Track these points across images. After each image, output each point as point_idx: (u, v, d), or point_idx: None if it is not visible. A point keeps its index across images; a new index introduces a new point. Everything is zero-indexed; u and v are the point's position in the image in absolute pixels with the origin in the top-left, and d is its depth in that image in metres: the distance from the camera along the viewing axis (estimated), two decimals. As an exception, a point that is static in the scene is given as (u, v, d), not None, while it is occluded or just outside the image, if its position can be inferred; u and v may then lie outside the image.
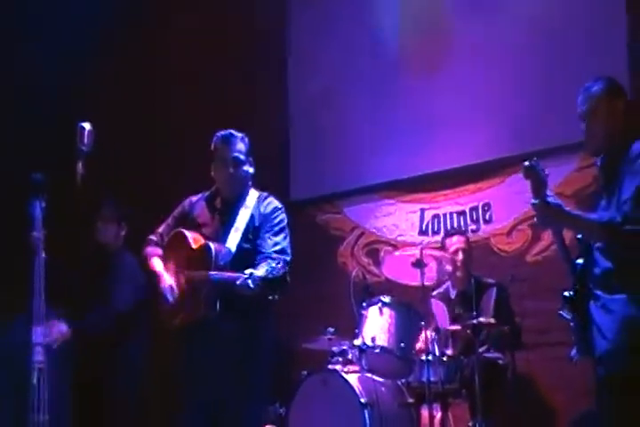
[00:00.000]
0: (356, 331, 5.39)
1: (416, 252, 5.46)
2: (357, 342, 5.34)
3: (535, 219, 3.73)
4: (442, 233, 6.45)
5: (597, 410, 3.65)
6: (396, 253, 5.92)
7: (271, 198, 4.51)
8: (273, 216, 4.41)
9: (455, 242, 5.91)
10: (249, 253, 4.28)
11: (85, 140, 4.33)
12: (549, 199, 3.54)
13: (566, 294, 3.64)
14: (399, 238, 6.85)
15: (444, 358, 5.32)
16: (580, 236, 3.72)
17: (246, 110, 7.36)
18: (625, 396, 3.41)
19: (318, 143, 7.28)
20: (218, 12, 7.85)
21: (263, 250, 4.28)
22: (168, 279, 4.31)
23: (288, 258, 4.26)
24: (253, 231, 4.36)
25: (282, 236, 4.36)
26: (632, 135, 3.64)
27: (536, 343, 5.75)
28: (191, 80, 7.87)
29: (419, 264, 5.41)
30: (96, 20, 7.84)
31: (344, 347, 5.67)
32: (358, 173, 7.01)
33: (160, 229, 4.57)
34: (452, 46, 6.61)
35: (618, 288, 3.47)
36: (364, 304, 5.48)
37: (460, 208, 6.58)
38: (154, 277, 4.37)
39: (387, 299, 5.44)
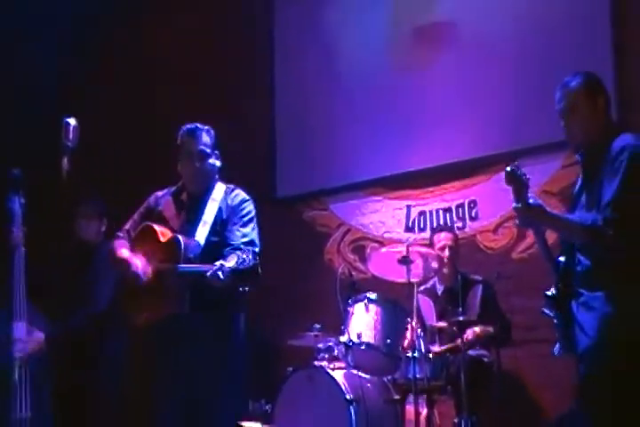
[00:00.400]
0: (342, 327, 5.21)
1: (402, 249, 5.27)
2: (343, 338, 5.15)
3: (517, 220, 3.58)
4: (428, 230, 6.29)
5: (577, 407, 3.57)
6: (383, 249, 5.81)
7: (238, 191, 4.32)
8: (241, 208, 4.22)
9: (443, 238, 5.73)
10: (218, 245, 4.08)
11: (70, 135, 4.09)
12: (530, 200, 3.40)
13: (549, 293, 3.51)
14: (385, 235, 6.64)
15: (430, 355, 5.12)
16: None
17: (236, 107, 7.18)
18: (606, 392, 3.28)
19: (305, 140, 7.07)
20: (218, 12, 7.62)
21: (232, 242, 4.08)
22: (137, 262, 4.07)
23: (257, 249, 4.05)
24: (221, 224, 4.17)
25: (250, 227, 4.17)
26: (613, 132, 3.48)
27: (524, 340, 5.57)
28: (191, 80, 7.63)
29: (405, 261, 5.22)
30: (96, 19, 7.69)
31: (330, 343, 5.48)
32: (345, 170, 6.80)
33: (127, 226, 4.38)
34: (439, 45, 6.41)
35: (598, 286, 3.36)
36: (350, 301, 5.29)
37: (446, 205, 6.38)
38: (121, 264, 4.10)
39: (373, 295, 5.26)
